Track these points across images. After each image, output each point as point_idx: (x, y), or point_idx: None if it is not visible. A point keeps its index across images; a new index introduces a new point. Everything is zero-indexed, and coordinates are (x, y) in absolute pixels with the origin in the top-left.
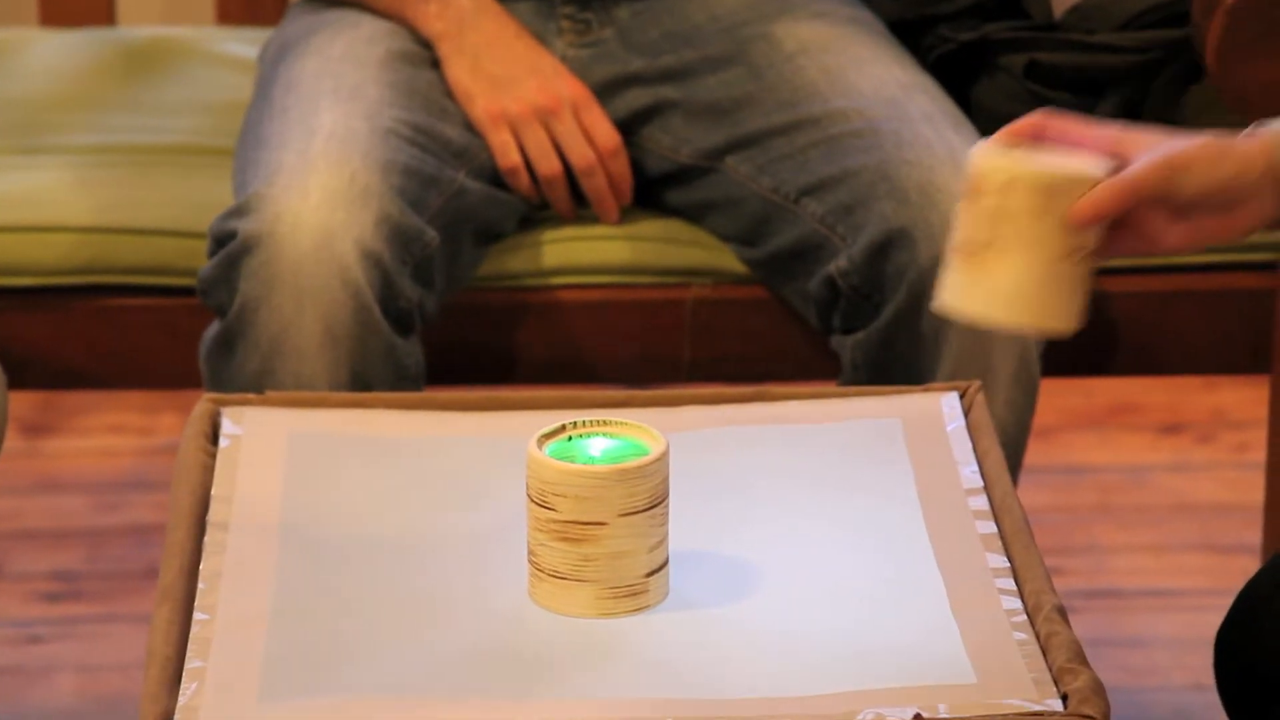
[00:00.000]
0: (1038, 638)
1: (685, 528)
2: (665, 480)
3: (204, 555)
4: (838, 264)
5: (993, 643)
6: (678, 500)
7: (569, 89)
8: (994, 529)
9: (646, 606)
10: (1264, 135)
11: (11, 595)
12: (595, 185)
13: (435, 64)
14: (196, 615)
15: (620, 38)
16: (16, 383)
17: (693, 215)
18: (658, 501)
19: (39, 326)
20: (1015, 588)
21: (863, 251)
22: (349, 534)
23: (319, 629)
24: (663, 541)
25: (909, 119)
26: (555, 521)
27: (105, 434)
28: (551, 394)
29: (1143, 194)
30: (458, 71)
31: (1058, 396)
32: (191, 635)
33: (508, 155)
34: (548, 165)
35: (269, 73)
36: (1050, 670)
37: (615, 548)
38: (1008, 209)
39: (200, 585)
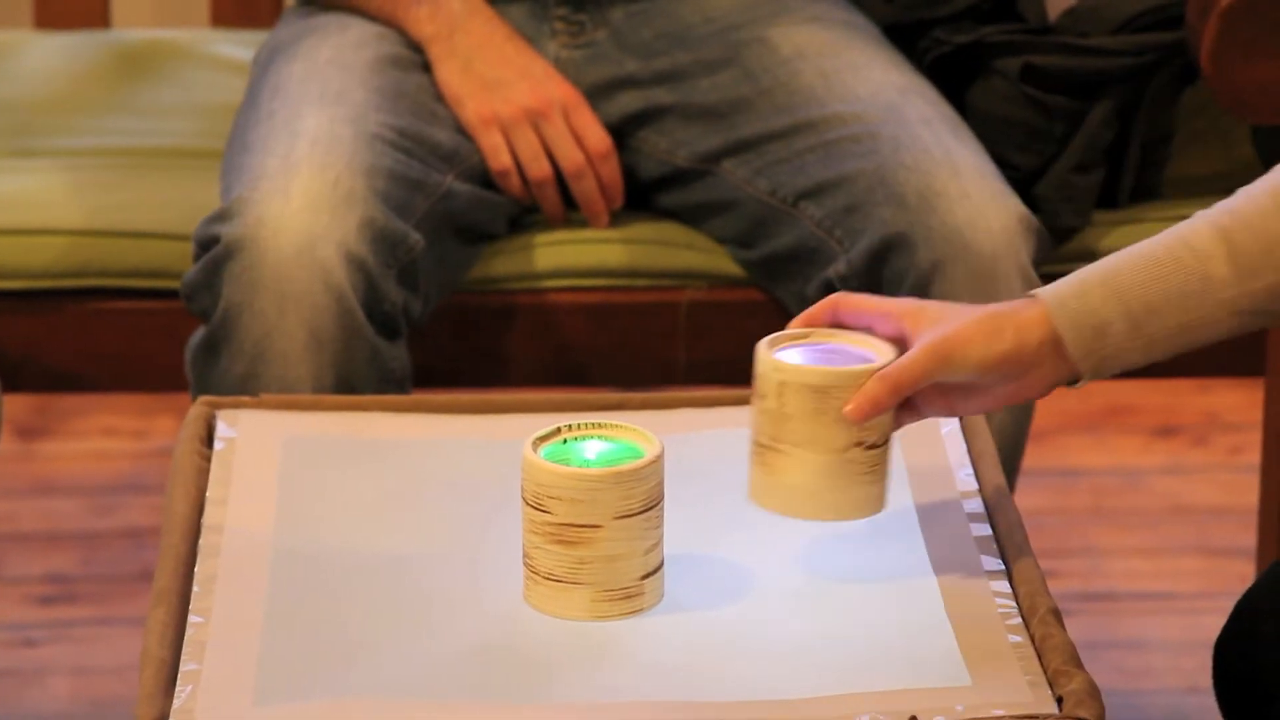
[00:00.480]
0: (1033, 640)
1: (680, 531)
2: (660, 483)
3: (199, 558)
4: (836, 268)
5: (988, 645)
6: (672, 503)
7: (560, 91)
8: (989, 531)
9: (641, 609)
10: (1041, 303)
11: (6, 598)
12: (585, 188)
13: (425, 68)
14: (191, 618)
15: (614, 39)
16: (10, 385)
17: (688, 218)
18: (653, 504)
19: (33, 329)
20: (1010, 590)
21: (861, 256)
22: (344, 537)
23: (314, 632)
24: (658, 544)
25: (906, 123)
26: (550, 524)
27: (100, 437)
28: (546, 397)
29: (914, 385)
30: (448, 74)
31: (1052, 399)
32: (186, 638)
33: (498, 157)
34: (538, 168)
35: (258, 77)
36: (1045, 673)
37: (610, 550)
38: (786, 411)
39: (195, 588)
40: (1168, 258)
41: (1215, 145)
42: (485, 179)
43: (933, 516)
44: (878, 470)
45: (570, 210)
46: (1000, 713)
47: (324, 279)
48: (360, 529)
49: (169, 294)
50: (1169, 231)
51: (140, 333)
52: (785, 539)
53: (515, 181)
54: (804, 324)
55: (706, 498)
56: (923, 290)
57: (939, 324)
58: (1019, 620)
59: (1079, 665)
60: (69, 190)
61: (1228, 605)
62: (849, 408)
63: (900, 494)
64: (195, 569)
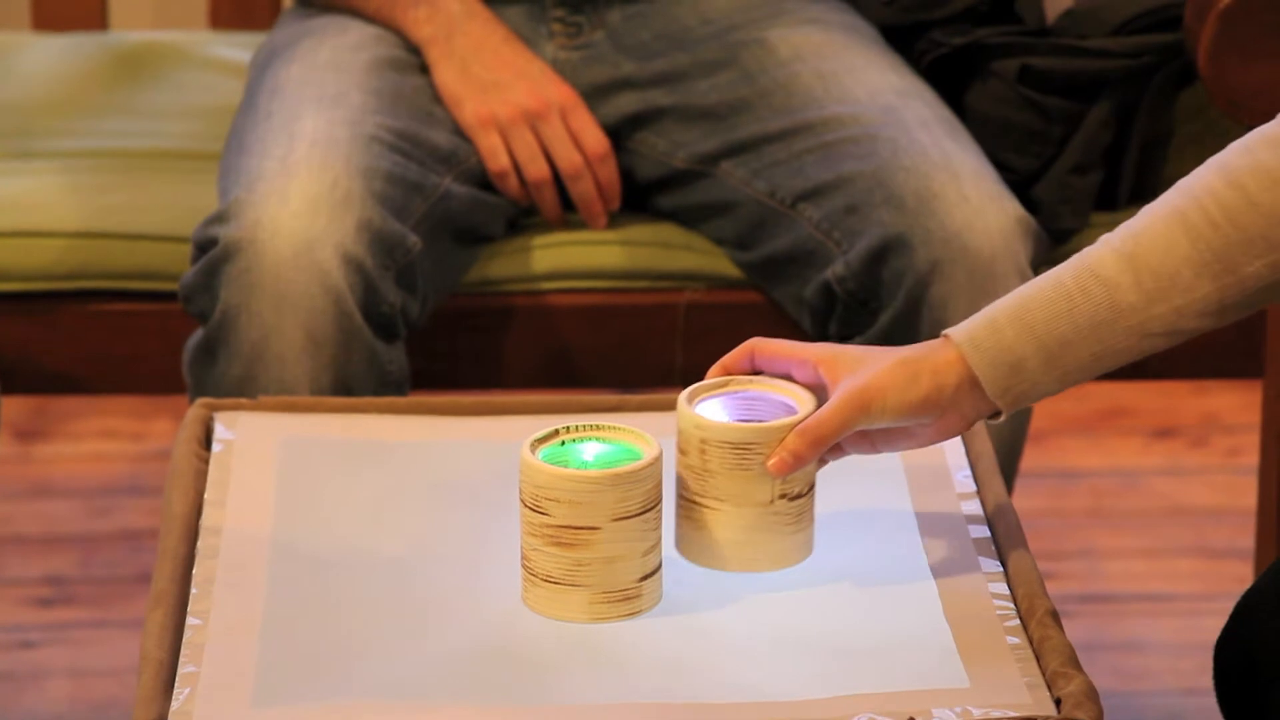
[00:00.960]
0: (1031, 642)
1: None
2: (658, 485)
3: (197, 560)
4: (834, 270)
5: (986, 647)
6: (671, 505)
7: (557, 93)
8: (987, 533)
9: (640, 611)
10: (955, 344)
11: (3, 600)
12: (582, 190)
13: (423, 70)
14: (189, 620)
15: (611, 41)
16: (8, 388)
17: (686, 219)
18: (651, 506)
19: (30, 331)
20: (1008, 592)
21: (860, 258)
22: (342, 539)
23: (312, 634)
24: (656, 546)
25: (905, 125)
26: (548, 526)
27: (97, 439)
28: (544, 399)
29: (835, 436)
30: (446, 76)
31: (1050, 401)
32: (184, 640)
33: (496, 159)
34: (536, 169)
35: (256, 79)
36: (1044, 674)
37: (608, 552)
38: (709, 467)
39: (193, 590)
40: (1076, 289)
41: (1213, 147)
42: (483, 180)
43: (931, 518)
44: (803, 518)
45: (568, 212)
46: (998, 714)
47: (322, 281)
48: (358, 531)
49: (166, 296)
50: (1074, 260)
51: (138, 335)
52: None
53: (513, 183)
54: (722, 372)
55: None
56: (921, 292)
57: (856, 371)
58: (1017, 622)
59: (1077, 667)
60: (67, 192)
61: (1226, 607)
62: (771, 463)
63: (899, 496)
64: (193, 571)
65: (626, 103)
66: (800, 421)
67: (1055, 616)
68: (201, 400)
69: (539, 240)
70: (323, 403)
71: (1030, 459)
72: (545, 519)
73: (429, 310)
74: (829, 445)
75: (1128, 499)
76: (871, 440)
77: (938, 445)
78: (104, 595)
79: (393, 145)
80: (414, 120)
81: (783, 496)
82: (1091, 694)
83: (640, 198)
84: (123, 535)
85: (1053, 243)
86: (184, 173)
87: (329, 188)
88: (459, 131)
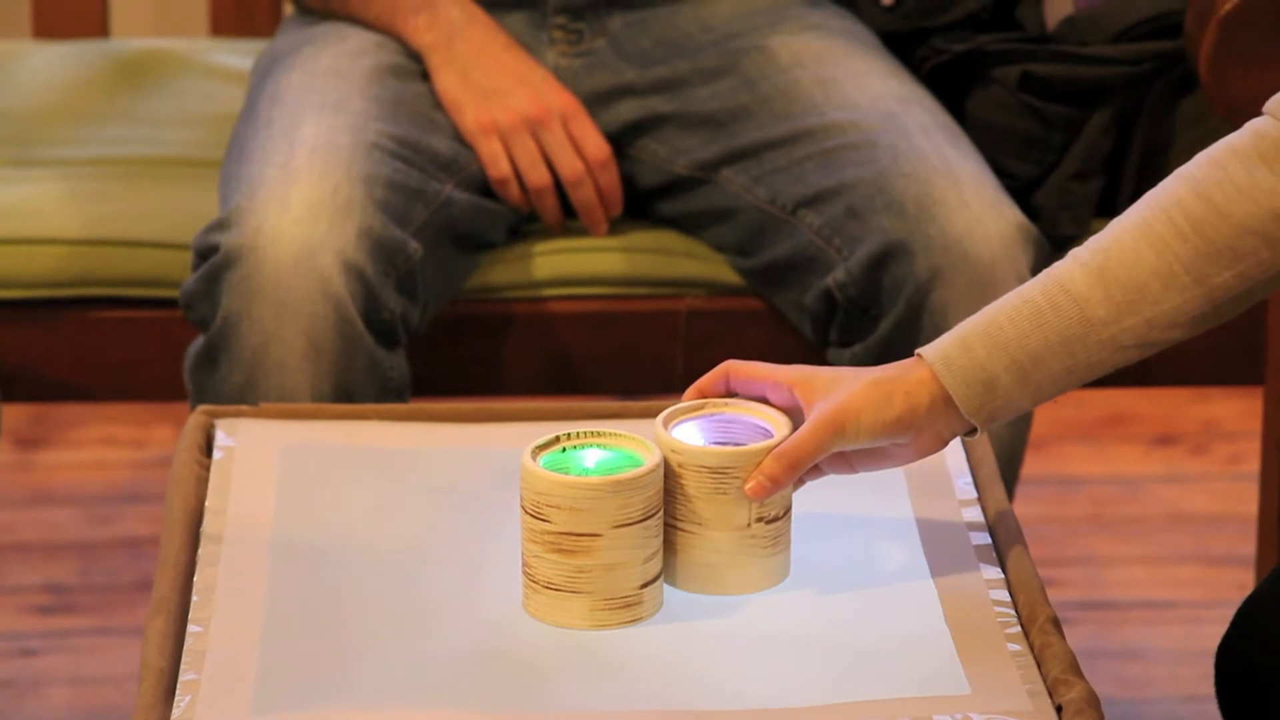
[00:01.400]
0: (1032, 649)
1: None
2: (659, 492)
3: (198, 567)
4: (835, 277)
5: (987, 654)
6: None
7: (558, 100)
8: (988, 540)
9: (640, 618)
10: (927, 364)
11: (4, 608)
12: (584, 197)
13: (424, 76)
14: (190, 627)
15: (612, 48)
16: (8, 395)
17: (687, 226)
18: (652, 513)
19: (31, 339)
20: (1009, 599)
21: (860, 264)
22: (343, 546)
23: (313, 641)
24: (657, 553)
25: (905, 132)
26: (549, 533)
27: (97, 446)
28: (545, 405)
29: (811, 460)
30: (447, 82)
31: (1051, 408)
32: (185, 648)
33: (497, 166)
34: (537, 176)
35: (256, 87)
36: (1045, 681)
37: (609, 559)
38: (687, 491)
39: (194, 597)
40: (1046, 304)
41: None
42: (484, 188)
43: (932, 525)
44: (781, 541)
45: (569, 219)
46: None
47: (322, 288)
48: (359, 538)
49: (167, 303)
50: (1044, 275)
51: (138, 342)
52: None
53: (514, 190)
54: (697, 395)
55: None
56: (922, 298)
57: (830, 394)
58: (1018, 629)
59: (1078, 674)
60: (67, 200)
61: (1227, 614)
62: (749, 487)
63: (900, 503)
64: (194, 578)
65: (627, 110)
66: (776, 445)
67: (1056, 623)
68: (202, 407)
69: (540, 247)
70: (323, 409)
71: (1031, 466)
72: (546, 526)
73: (430, 317)
74: (805, 468)
75: (1129, 506)
76: (849, 461)
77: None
78: (105, 603)
79: (394, 152)
80: (415, 127)
81: (759, 520)
82: (1093, 701)
83: (641, 205)
84: (123, 543)
85: (1053, 249)
86: (185, 180)
87: (330, 194)
88: (460, 138)
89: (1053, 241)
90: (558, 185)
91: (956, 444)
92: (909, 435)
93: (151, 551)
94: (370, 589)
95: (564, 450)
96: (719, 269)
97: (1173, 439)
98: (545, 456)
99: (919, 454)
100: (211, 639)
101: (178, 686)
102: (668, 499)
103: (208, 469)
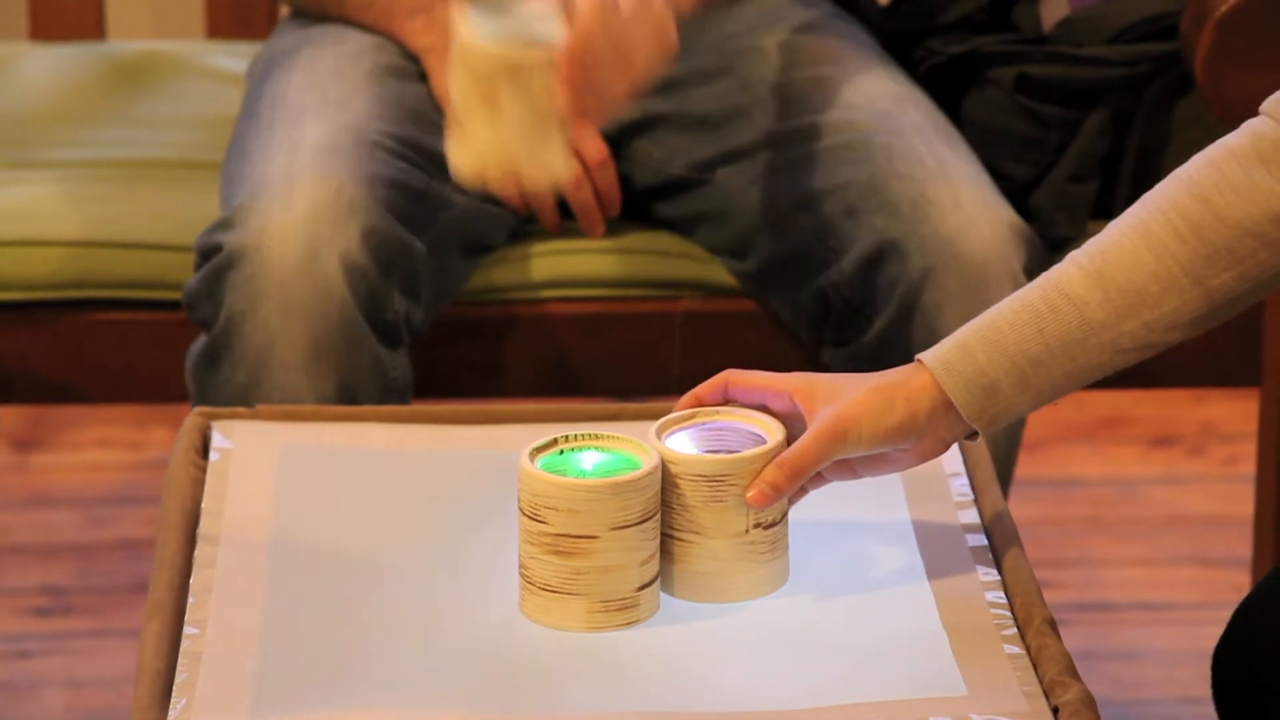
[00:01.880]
0: (1029, 650)
1: None
2: (657, 494)
3: (194, 569)
4: (829, 276)
5: (983, 655)
6: None
7: None
8: (984, 541)
9: (637, 620)
10: (927, 370)
11: (1, 610)
12: (581, 198)
13: (423, 78)
14: (187, 630)
15: None
16: (5, 397)
17: (683, 228)
18: (649, 515)
19: (28, 341)
20: (1006, 600)
21: (854, 264)
22: (340, 548)
23: (310, 643)
24: (654, 556)
25: (900, 132)
26: (546, 535)
27: (94, 448)
28: (543, 407)
29: (813, 468)
30: (444, 84)
31: (1048, 409)
32: (182, 650)
33: None
34: None
35: (256, 88)
36: (1041, 683)
37: (606, 561)
38: (684, 501)
39: (190, 600)
40: (1046, 308)
41: None
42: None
43: (928, 527)
44: (779, 546)
45: (566, 220)
46: None
47: (326, 288)
48: (356, 540)
49: (165, 305)
50: (1042, 279)
51: (136, 344)
52: None
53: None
54: (693, 403)
55: None
56: (914, 298)
57: (830, 401)
58: (1015, 630)
59: (1075, 675)
60: (64, 202)
61: (1224, 615)
62: (750, 495)
63: (896, 504)
64: (190, 580)
65: (624, 111)
66: (771, 451)
67: (1053, 625)
68: (198, 409)
69: (537, 249)
70: (320, 411)
71: (1028, 467)
72: (544, 527)
73: (429, 318)
74: (808, 476)
75: (1126, 507)
76: (852, 467)
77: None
78: (101, 605)
79: (397, 152)
80: (416, 128)
81: (757, 526)
82: (1089, 703)
83: (638, 206)
84: (120, 545)
85: (1050, 251)
86: (182, 182)
87: (334, 195)
88: None
89: (1049, 243)
90: None
91: (953, 447)
92: (910, 440)
93: (148, 553)
94: (367, 591)
95: (561, 452)
96: (715, 270)
97: (1170, 440)
98: (543, 458)
99: (920, 458)
100: (208, 641)
101: (174, 689)
102: (665, 509)
103: (204, 471)
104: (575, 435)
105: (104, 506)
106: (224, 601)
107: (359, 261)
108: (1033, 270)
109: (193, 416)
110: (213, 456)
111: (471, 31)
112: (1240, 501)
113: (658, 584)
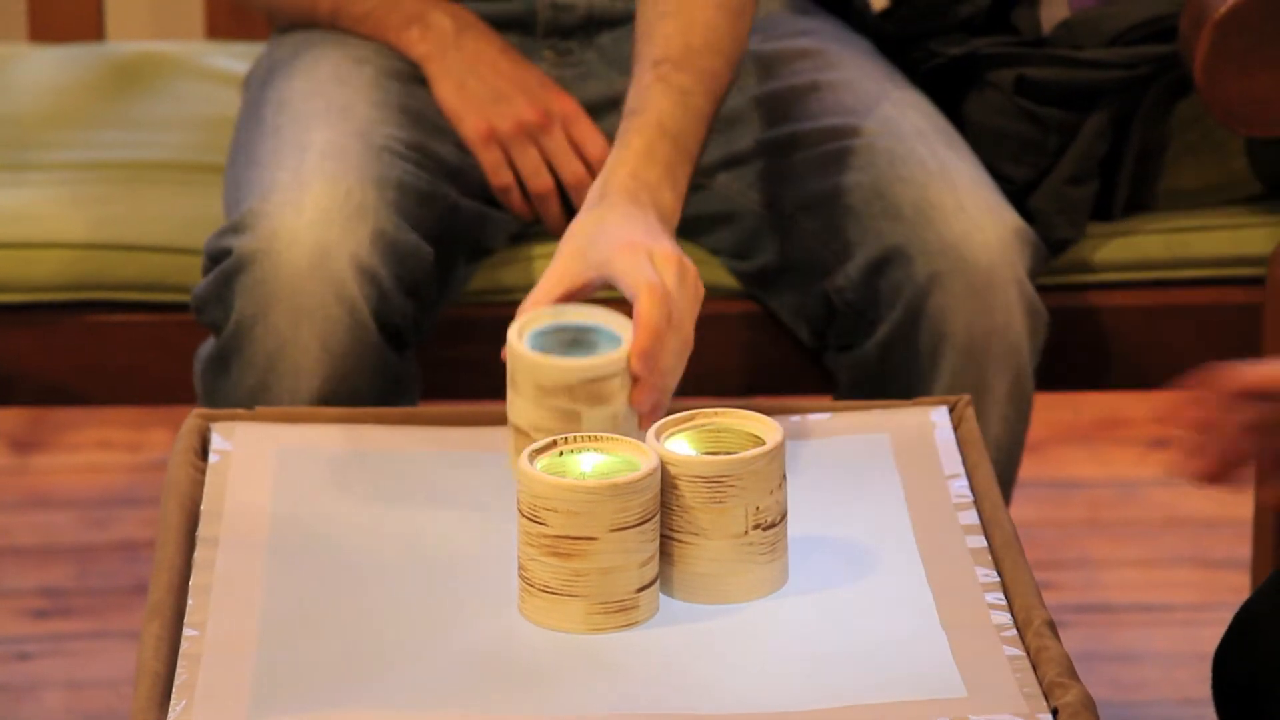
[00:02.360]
0: (1028, 652)
1: None
2: (656, 496)
3: (193, 571)
4: (833, 281)
5: (983, 657)
6: None
7: (558, 104)
8: (984, 543)
9: (637, 622)
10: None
11: (0, 612)
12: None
13: (424, 81)
14: (186, 631)
15: (603, 59)
16: (6, 398)
17: (684, 230)
18: (648, 517)
19: (29, 342)
20: (1005, 602)
21: (858, 269)
22: (339, 549)
23: (309, 644)
24: (653, 557)
25: (902, 136)
26: (546, 536)
27: (94, 450)
28: None
29: (573, 288)
30: (445, 92)
31: (1047, 411)
32: (181, 651)
33: (499, 174)
34: (540, 182)
35: (257, 94)
36: (1040, 684)
37: (606, 563)
38: (683, 502)
39: (190, 601)
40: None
41: (1209, 157)
42: (487, 195)
43: (928, 528)
44: (778, 547)
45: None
46: None
47: (337, 291)
48: (355, 541)
49: (165, 307)
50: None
51: (136, 346)
52: None
53: (517, 197)
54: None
55: None
56: (920, 303)
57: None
58: (1014, 632)
59: (1074, 677)
60: (64, 204)
61: (1223, 617)
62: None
63: (895, 506)
64: (190, 582)
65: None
66: (771, 451)
67: (1052, 626)
68: (198, 411)
69: (540, 250)
70: (320, 413)
71: (1027, 469)
72: (543, 529)
73: (432, 320)
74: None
75: (1125, 509)
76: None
77: (934, 454)
78: (101, 606)
79: (403, 155)
80: (421, 131)
81: (756, 527)
82: (1088, 704)
83: None
84: (120, 546)
85: (1050, 253)
86: (182, 184)
87: (343, 198)
88: (462, 145)
89: (1049, 245)
90: (560, 189)
91: (954, 447)
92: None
93: (148, 555)
94: (366, 592)
95: (561, 454)
96: (715, 273)
97: (1169, 442)
98: (542, 460)
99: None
100: (207, 643)
101: (173, 690)
102: (664, 510)
103: (203, 472)
104: (575, 437)
105: (103, 508)
106: (223, 603)
107: (369, 265)
108: (1036, 273)
109: (192, 418)
110: (212, 458)
111: (527, 346)
112: (1239, 503)
113: (657, 585)
